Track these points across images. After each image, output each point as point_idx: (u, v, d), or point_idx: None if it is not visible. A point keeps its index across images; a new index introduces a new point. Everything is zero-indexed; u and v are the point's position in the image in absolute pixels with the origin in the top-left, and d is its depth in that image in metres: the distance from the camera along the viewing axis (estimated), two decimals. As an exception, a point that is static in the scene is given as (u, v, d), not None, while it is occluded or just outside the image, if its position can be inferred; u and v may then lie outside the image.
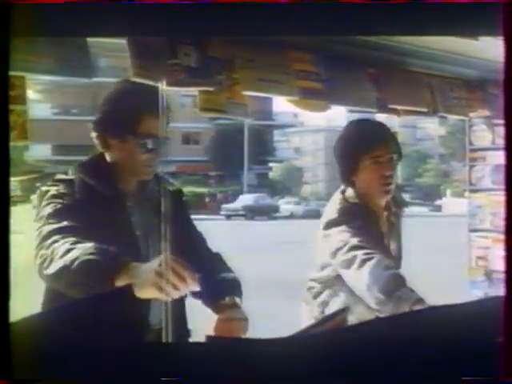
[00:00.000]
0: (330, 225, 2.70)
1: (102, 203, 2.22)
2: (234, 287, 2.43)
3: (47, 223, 2.11)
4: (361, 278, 2.51)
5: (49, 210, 2.15)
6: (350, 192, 2.78)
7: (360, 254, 2.53)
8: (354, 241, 2.57)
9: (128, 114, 2.25)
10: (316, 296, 2.88)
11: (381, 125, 2.79)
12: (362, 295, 2.54)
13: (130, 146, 2.25)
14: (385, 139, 2.72)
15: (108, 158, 2.31)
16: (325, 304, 2.84)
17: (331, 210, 2.75)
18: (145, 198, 2.35)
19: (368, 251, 2.53)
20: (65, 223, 2.08)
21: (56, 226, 2.08)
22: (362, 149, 2.67)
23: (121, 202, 2.28)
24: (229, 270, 2.48)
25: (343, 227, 2.64)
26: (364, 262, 2.51)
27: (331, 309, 2.76)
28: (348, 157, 2.72)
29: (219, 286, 2.39)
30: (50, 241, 2.03)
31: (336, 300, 2.76)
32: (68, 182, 2.23)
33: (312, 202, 34.73)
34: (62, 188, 2.21)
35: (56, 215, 2.13)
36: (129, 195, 2.31)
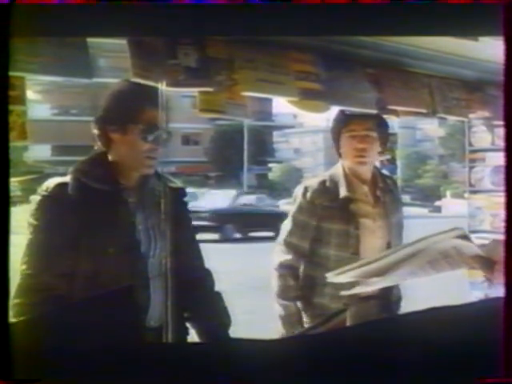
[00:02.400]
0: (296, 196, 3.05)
1: (103, 201, 2.22)
2: (227, 324, 2.44)
3: (24, 260, 2.17)
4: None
5: (29, 236, 2.20)
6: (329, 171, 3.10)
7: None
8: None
9: (129, 105, 2.28)
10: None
11: None
12: None
13: (132, 137, 2.27)
14: (362, 116, 3.04)
15: (109, 155, 2.31)
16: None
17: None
18: (146, 194, 2.35)
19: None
20: (35, 272, 2.14)
21: (28, 271, 2.15)
22: (341, 123, 3.04)
23: (123, 198, 2.28)
24: (219, 297, 2.48)
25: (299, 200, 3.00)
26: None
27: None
28: (334, 131, 3.08)
29: (214, 325, 2.40)
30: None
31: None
32: (60, 190, 2.23)
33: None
34: (49, 200, 2.21)
35: (33, 246, 2.19)
36: (130, 191, 2.31)
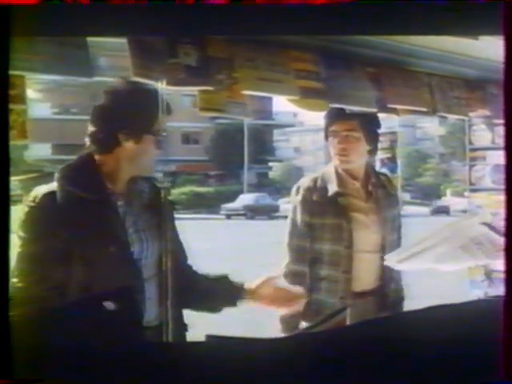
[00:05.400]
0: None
1: (91, 208, 2.19)
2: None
3: (15, 274, 2.14)
4: None
5: (19, 248, 2.17)
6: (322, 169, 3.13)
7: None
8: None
9: (145, 115, 2.25)
10: None
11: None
12: None
13: (145, 146, 2.25)
14: (343, 117, 3.04)
15: (102, 158, 2.26)
16: None
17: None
18: (134, 196, 2.33)
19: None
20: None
21: (20, 284, 2.13)
22: (327, 123, 3.08)
23: (111, 203, 2.26)
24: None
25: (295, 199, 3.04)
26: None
27: None
28: (324, 131, 3.12)
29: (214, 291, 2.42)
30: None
31: None
32: (47, 200, 2.19)
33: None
34: (37, 211, 2.18)
35: (24, 259, 2.16)
36: (118, 195, 2.29)
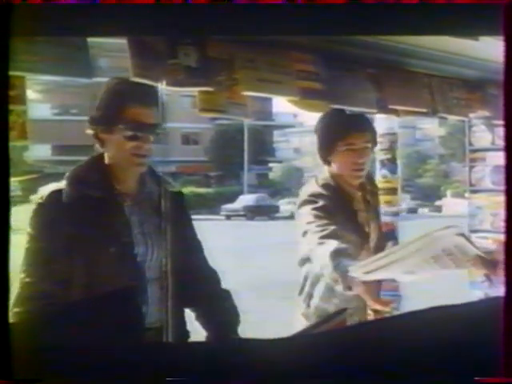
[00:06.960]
0: (301, 204, 2.84)
1: (98, 207, 2.21)
2: (236, 321, 2.44)
3: (23, 269, 2.17)
4: (320, 257, 2.57)
5: (26, 245, 2.19)
6: (322, 174, 2.96)
7: (317, 236, 2.61)
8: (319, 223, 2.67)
9: (112, 105, 2.26)
10: (300, 292, 2.92)
11: (360, 115, 3.00)
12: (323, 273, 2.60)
13: (117, 137, 2.25)
14: (361, 129, 2.90)
15: (106, 157, 2.31)
16: (309, 296, 2.88)
17: (304, 191, 2.90)
18: (144, 197, 2.34)
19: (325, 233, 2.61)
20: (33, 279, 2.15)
21: (27, 279, 2.16)
22: (339, 134, 2.86)
23: (118, 203, 2.27)
24: (227, 294, 2.47)
25: (310, 208, 2.76)
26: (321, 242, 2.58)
27: (316, 298, 2.87)
28: (326, 139, 2.92)
29: (222, 323, 2.41)
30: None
31: (318, 288, 2.84)
32: (54, 198, 2.21)
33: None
34: (44, 208, 2.20)
35: (31, 255, 2.18)
36: (126, 196, 2.30)
